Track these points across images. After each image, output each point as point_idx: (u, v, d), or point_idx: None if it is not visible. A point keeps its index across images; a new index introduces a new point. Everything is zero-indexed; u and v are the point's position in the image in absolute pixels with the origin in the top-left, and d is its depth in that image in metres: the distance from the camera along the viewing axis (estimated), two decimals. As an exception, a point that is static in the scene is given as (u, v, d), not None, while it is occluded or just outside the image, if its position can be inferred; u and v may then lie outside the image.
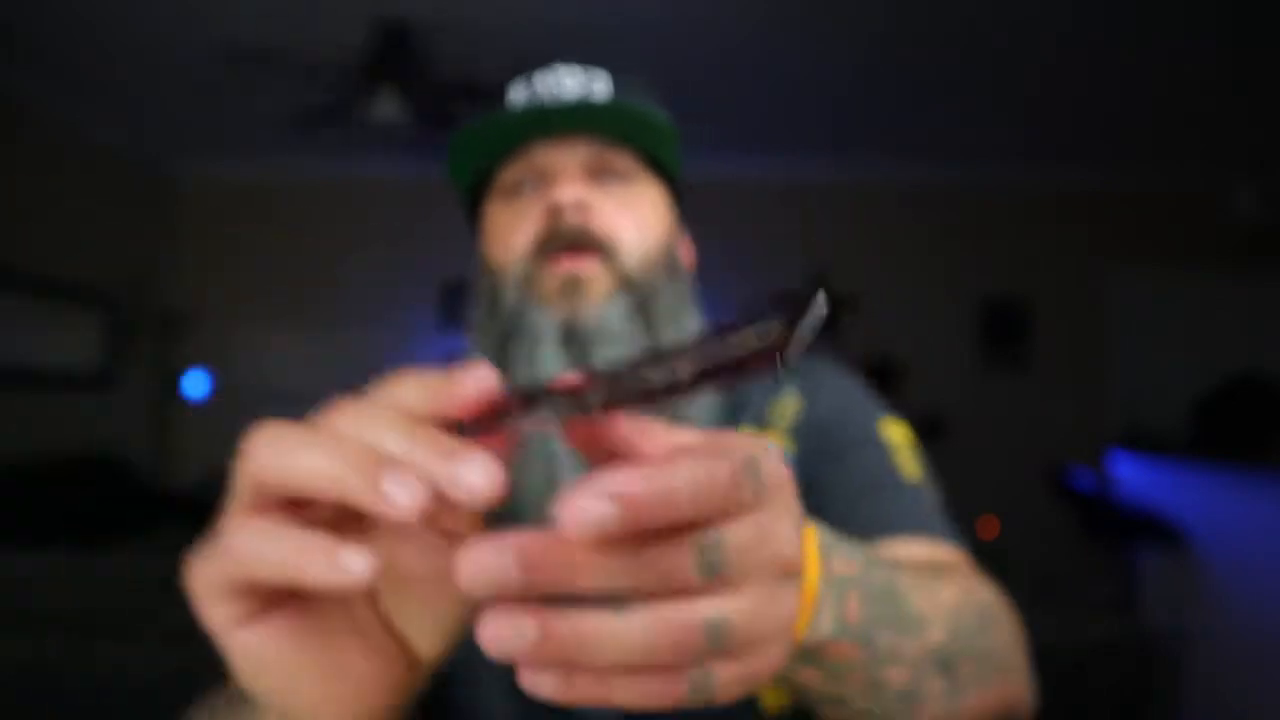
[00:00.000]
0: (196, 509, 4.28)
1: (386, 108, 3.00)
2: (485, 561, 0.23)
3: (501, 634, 0.23)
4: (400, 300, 4.70)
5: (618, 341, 0.66)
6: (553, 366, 0.66)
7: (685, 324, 0.69)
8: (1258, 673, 2.06)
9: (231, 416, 4.64)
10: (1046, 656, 2.10)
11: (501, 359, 0.68)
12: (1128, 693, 2.08)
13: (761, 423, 0.72)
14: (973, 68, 3.31)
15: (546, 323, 0.66)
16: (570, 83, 0.69)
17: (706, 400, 0.71)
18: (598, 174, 0.68)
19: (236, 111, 3.94)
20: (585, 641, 0.23)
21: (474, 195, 0.73)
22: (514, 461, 0.68)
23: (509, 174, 0.69)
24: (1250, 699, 2.06)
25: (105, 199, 4.23)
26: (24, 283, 3.65)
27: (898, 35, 3.11)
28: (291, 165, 4.67)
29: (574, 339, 0.66)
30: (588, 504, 0.22)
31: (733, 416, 0.72)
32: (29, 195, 3.67)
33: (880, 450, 0.67)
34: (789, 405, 0.72)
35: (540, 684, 0.25)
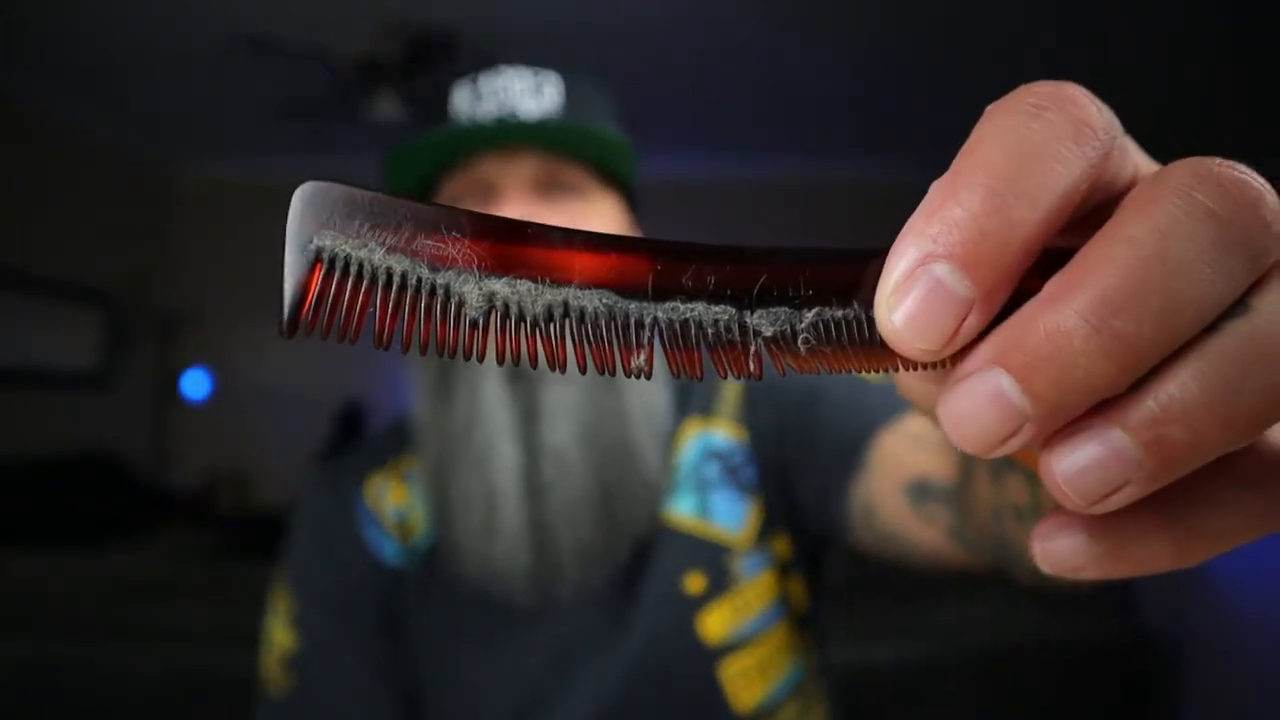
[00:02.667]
0: (196, 509, 4.29)
1: (386, 108, 3.00)
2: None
3: (1100, 463, 0.15)
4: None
5: (569, 380, 0.63)
6: (498, 406, 0.63)
7: None
8: (1258, 673, 2.06)
9: (231, 416, 4.64)
10: (1047, 656, 2.11)
11: (443, 387, 0.66)
12: (1128, 693, 2.08)
13: (707, 412, 0.71)
14: (972, 68, 3.31)
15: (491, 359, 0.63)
16: (518, 87, 0.66)
17: (658, 389, 0.69)
18: (546, 188, 0.66)
19: (236, 111, 3.94)
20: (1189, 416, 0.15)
21: None
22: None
23: (453, 187, 0.66)
24: (1250, 699, 2.06)
25: (105, 199, 4.22)
26: (24, 282, 3.65)
27: (898, 35, 3.11)
28: (291, 165, 4.66)
29: (522, 375, 0.64)
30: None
31: (680, 410, 0.71)
32: (29, 195, 3.66)
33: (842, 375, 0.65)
34: (732, 388, 0.71)
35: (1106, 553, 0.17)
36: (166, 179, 4.75)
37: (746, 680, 0.64)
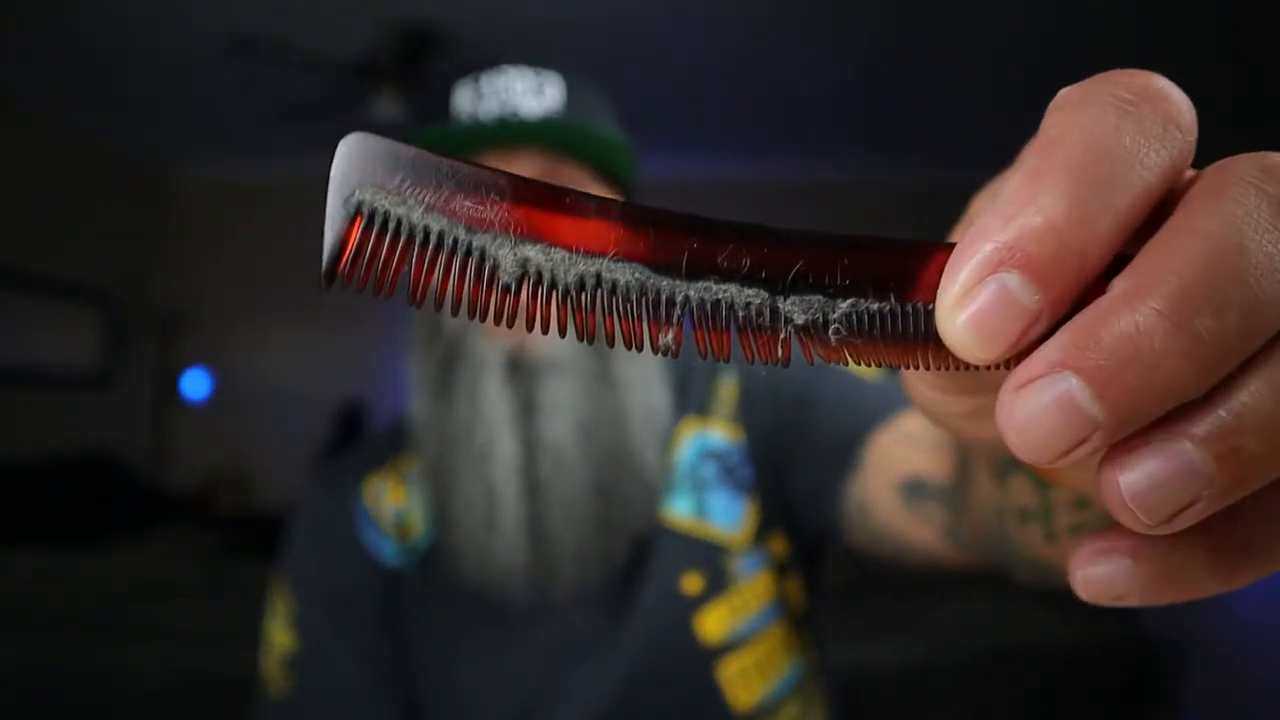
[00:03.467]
0: (196, 509, 4.29)
1: (386, 108, 3.00)
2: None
3: (1170, 478, 0.14)
4: (401, 299, 4.70)
5: (567, 373, 0.64)
6: (497, 401, 0.63)
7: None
8: (1258, 674, 2.06)
9: (231, 416, 4.64)
10: (1047, 656, 2.11)
11: (442, 386, 0.66)
12: (1128, 693, 2.08)
13: (704, 412, 0.70)
14: (972, 68, 3.31)
15: (491, 351, 0.64)
16: (520, 86, 0.66)
17: (658, 391, 0.69)
18: None
19: (236, 111, 3.94)
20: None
21: None
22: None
23: None
24: (1250, 699, 2.06)
25: (105, 199, 4.23)
26: (24, 282, 3.65)
27: (898, 35, 3.11)
28: (291, 165, 4.66)
29: (520, 370, 0.64)
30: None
31: (676, 410, 0.71)
32: (28, 195, 3.66)
33: (838, 371, 0.65)
34: (728, 388, 0.71)
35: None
36: (166, 179, 4.75)
37: (745, 680, 0.64)
